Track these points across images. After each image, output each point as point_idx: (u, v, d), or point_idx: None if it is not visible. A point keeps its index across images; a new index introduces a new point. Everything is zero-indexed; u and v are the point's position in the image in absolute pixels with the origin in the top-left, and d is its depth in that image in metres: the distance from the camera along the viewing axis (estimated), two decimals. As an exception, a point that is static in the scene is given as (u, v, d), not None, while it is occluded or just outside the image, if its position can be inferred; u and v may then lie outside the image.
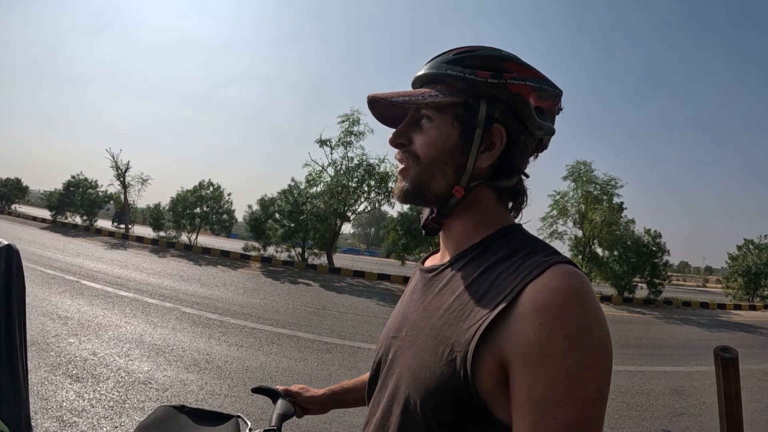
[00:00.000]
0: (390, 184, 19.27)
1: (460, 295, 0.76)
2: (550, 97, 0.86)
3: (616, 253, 20.39)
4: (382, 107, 0.90)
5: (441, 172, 0.82)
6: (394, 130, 0.89)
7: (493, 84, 0.80)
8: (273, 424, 1.14)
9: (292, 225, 18.83)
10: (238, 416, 1.20)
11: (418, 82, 0.87)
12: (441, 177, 0.82)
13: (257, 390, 1.27)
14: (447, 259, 0.87)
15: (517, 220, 0.88)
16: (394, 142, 0.87)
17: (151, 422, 1.14)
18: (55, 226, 23.80)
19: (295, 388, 1.27)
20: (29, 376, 1.72)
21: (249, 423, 1.17)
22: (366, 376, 1.22)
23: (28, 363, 1.59)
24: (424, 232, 0.90)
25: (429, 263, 0.95)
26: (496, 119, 0.81)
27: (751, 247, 25.10)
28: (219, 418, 1.21)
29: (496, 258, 0.77)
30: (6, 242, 1.51)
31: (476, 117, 0.81)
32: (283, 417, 1.17)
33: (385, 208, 20.92)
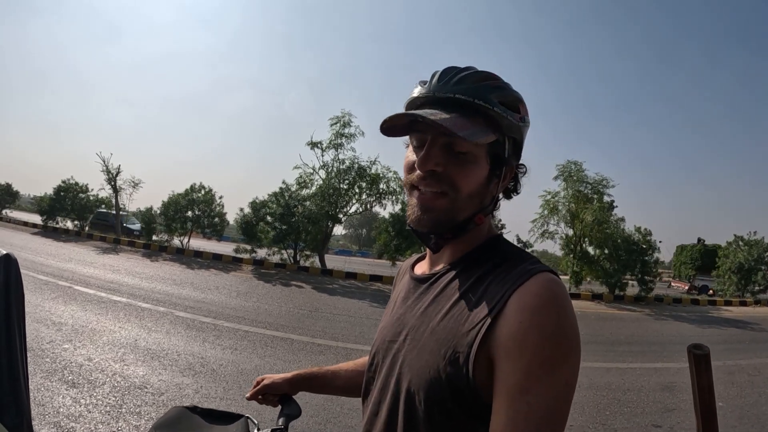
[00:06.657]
0: (381, 186, 19.32)
1: (457, 301, 0.82)
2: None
3: (606, 251, 20.51)
4: (395, 120, 0.85)
5: (471, 203, 0.87)
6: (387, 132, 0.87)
7: (520, 126, 0.87)
8: (280, 424, 1.19)
9: (284, 227, 18.77)
10: (247, 416, 1.26)
11: (451, 103, 0.84)
12: (469, 208, 0.87)
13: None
14: (438, 267, 0.93)
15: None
16: (428, 169, 0.84)
17: (166, 422, 1.21)
18: (46, 231, 23.61)
19: (261, 384, 1.29)
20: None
21: (257, 422, 1.23)
22: (344, 365, 1.29)
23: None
24: (431, 251, 0.94)
25: (418, 271, 1.00)
26: (509, 155, 0.89)
27: (740, 243, 25.28)
28: (229, 417, 1.28)
29: (486, 267, 0.84)
30: (5, 252, 1.54)
31: (504, 155, 0.88)
32: (290, 417, 1.23)
33: (377, 209, 20.98)
